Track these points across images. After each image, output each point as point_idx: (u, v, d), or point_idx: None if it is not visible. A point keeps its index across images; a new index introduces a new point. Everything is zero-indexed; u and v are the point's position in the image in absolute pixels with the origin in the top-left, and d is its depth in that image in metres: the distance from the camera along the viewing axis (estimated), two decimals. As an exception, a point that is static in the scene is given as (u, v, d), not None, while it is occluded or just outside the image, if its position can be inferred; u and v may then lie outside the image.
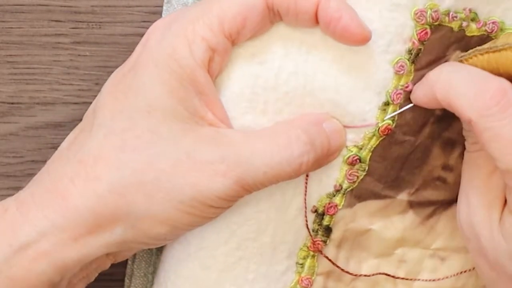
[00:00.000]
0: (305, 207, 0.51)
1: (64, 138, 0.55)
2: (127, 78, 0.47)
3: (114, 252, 0.49)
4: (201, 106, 0.47)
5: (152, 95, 0.46)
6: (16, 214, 0.47)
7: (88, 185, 0.46)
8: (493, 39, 0.50)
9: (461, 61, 0.49)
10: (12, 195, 0.55)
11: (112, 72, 0.55)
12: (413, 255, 0.53)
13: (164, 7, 0.53)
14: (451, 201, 0.53)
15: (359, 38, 0.47)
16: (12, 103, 0.55)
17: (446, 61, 0.50)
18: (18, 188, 0.55)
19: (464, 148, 0.51)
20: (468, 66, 0.47)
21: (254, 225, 0.50)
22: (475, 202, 0.47)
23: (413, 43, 0.48)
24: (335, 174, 0.50)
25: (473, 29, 0.50)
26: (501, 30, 0.50)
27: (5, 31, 0.54)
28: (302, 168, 0.47)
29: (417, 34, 0.48)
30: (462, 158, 0.51)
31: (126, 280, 0.55)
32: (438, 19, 0.48)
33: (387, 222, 0.52)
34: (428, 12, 0.48)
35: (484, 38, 0.50)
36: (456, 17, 0.49)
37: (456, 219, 0.50)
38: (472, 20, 0.50)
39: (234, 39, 0.47)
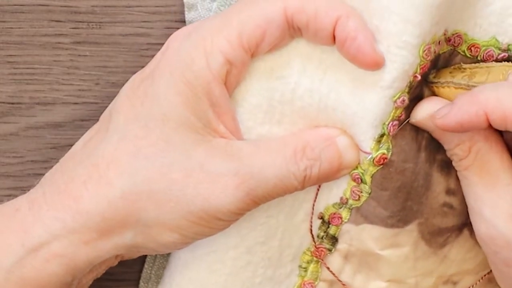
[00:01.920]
0: (312, 213, 0.51)
1: (64, 138, 0.55)
2: (145, 84, 0.48)
3: (124, 253, 0.49)
4: (214, 118, 0.47)
5: (167, 104, 0.46)
6: (28, 214, 0.47)
7: (100, 189, 0.47)
8: (458, 52, 0.50)
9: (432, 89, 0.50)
10: (12, 195, 0.55)
11: (112, 72, 0.55)
12: (427, 284, 0.53)
13: (187, 14, 0.53)
14: (462, 226, 0.52)
15: (371, 62, 0.47)
16: (12, 103, 0.55)
17: (424, 83, 0.50)
18: (18, 188, 0.56)
19: None
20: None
21: (264, 229, 0.51)
22: (490, 215, 0.48)
23: (415, 77, 0.48)
24: (343, 187, 0.51)
25: (444, 47, 0.50)
26: (465, 42, 0.50)
27: (5, 31, 0.54)
28: (306, 181, 0.48)
29: (420, 69, 0.48)
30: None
31: (141, 283, 0.56)
32: (437, 51, 0.49)
33: (397, 251, 0.52)
34: (433, 47, 0.48)
35: (451, 53, 0.50)
36: (442, 42, 0.49)
37: (468, 242, 0.51)
38: (445, 38, 0.50)
39: (253, 52, 0.47)
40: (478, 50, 0.50)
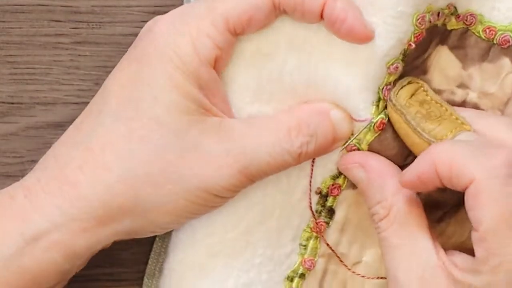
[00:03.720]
0: (310, 189, 0.52)
1: (64, 138, 0.55)
2: (133, 67, 0.48)
3: (122, 238, 0.50)
4: (205, 100, 0.47)
5: (158, 88, 0.47)
6: (24, 202, 0.47)
7: (97, 174, 0.47)
8: (473, 32, 0.51)
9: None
10: (12, 195, 0.55)
11: (112, 72, 0.55)
12: None
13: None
14: (459, 202, 0.52)
15: (362, 37, 0.48)
16: (12, 103, 0.55)
17: (428, 55, 0.51)
18: (18, 188, 0.55)
19: None
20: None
21: (261, 209, 0.51)
22: (403, 279, 0.47)
23: (409, 45, 0.49)
24: (337, 156, 0.51)
25: (453, 23, 0.51)
26: (480, 22, 0.51)
27: (5, 31, 0.54)
28: (302, 157, 0.49)
29: (414, 37, 0.49)
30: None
31: (146, 280, 0.55)
32: (434, 21, 0.49)
33: None
34: (427, 16, 0.49)
35: (464, 32, 0.51)
36: (443, 14, 0.50)
37: (465, 224, 0.51)
38: (452, 14, 0.51)
39: (239, 34, 0.48)
40: (494, 33, 0.51)
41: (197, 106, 0.47)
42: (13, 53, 0.54)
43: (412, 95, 0.50)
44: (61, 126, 0.55)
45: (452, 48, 0.51)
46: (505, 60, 0.51)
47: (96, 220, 0.47)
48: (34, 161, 0.55)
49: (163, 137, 0.47)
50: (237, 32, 0.47)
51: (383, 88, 0.50)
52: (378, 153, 0.51)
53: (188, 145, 0.47)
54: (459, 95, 0.52)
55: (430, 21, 0.49)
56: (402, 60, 0.49)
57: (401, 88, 0.50)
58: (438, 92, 0.52)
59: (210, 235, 0.51)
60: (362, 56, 0.49)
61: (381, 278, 0.53)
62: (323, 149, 0.50)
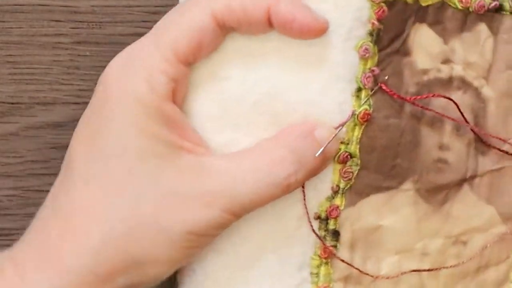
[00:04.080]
0: (307, 213, 0.50)
1: (64, 138, 0.55)
2: (94, 122, 0.47)
3: None
4: (175, 137, 0.46)
5: (123, 138, 0.45)
6: (14, 277, 0.46)
7: (79, 241, 0.45)
8: (451, 5, 0.50)
9: None
10: (12, 195, 0.55)
11: (112, 72, 0.55)
12: (435, 246, 0.52)
13: None
14: (461, 182, 0.52)
15: (317, 31, 0.47)
16: (12, 103, 0.55)
17: (406, 35, 0.50)
18: (18, 188, 0.56)
19: (454, 124, 0.51)
20: None
21: (257, 242, 0.49)
22: None
23: (373, 23, 0.48)
24: (329, 177, 0.50)
25: None
26: None
27: (5, 31, 0.54)
28: (290, 187, 0.47)
29: (375, 14, 0.48)
30: (456, 134, 0.51)
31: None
32: None
33: (397, 216, 0.52)
34: None
35: (440, 6, 0.50)
36: None
37: (469, 197, 0.50)
38: None
39: (191, 62, 0.46)
40: (469, 0, 0.50)
41: (168, 147, 0.45)
42: (13, 53, 0.54)
43: None
44: (61, 126, 0.55)
45: (431, 25, 0.50)
46: (482, 26, 0.51)
47: (88, 286, 0.45)
48: (34, 161, 0.55)
49: (137, 188, 0.45)
50: (189, 61, 0.46)
51: (361, 77, 0.49)
52: (368, 148, 0.50)
53: (164, 191, 0.45)
54: (445, 71, 0.51)
55: None
56: (372, 42, 0.48)
57: None
58: (424, 71, 0.51)
59: (205, 276, 0.50)
60: (324, 49, 0.47)
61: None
62: (313, 174, 0.48)
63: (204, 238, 0.46)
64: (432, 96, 0.50)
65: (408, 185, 0.51)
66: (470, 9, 0.50)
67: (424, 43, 0.51)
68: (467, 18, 0.51)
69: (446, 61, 0.51)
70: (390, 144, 0.50)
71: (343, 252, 0.51)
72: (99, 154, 0.46)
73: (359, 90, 0.49)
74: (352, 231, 0.51)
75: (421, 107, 0.50)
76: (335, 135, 0.48)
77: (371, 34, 0.48)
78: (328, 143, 0.48)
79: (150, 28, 0.54)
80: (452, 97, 0.51)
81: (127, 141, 0.45)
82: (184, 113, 0.47)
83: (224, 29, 0.46)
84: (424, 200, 0.52)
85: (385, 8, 0.48)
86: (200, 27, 0.46)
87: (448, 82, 0.51)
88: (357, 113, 0.49)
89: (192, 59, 0.46)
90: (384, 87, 0.49)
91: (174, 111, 0.46)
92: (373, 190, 0.51)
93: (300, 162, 0.47)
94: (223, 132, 0.48)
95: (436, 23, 0.50)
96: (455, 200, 0.52)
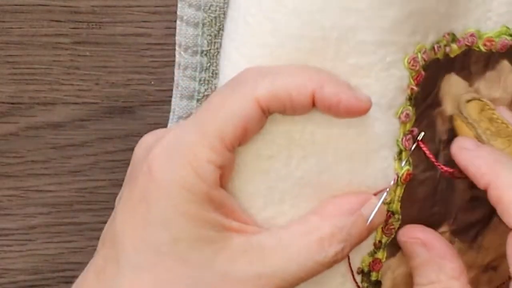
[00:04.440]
0: (351, 270, 0.50)
1: (64, 138, 0.55)
2: (140, 209, 0.46)
3: None
4: (223, 219, 0.46)
5: (174, 227, 0.45)
6: None
7: None
8: (475, 50, 0.51)
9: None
10: (12, 195, 0.56)
11: (112, 72, 0.55)
12: (469, 278, 0.53)
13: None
14: (491, 214, 0.52)
15: (361, 112, 0.46)
16: (12, 103, 0.55)
17: (438, 88, 0.50)
18: (18, 188, 0.56)
19: None
20: None
21: None
22: None
23: (411, 89, 0.48)
24: (372, 235, 0.50)
25: (455, 49, 0.50)
26: (479, 38, 0.50)
27: (5, 31, 0.54)
28: (337, 262, 0.47)
29: (413, 80, 0.48)
30: None
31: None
32: (428, 58, 0.48)
33: None
34: (419, 56, 0.48)
35: (466, 52, 0.50)
36: (440, 47, 0.49)
37: (500, 227, 0.50)
38: (452, 41, 0.50)
39: (236, 147, 0.46)
40: (493, 43, 0.50)
41: (218, 231, 0.45)
42: (13, 53, 0.54)
43: (482, 110, 0.50)
44: (61, 126, 0.55)
45: (458, 72, 0.51)
46: (504, 62, 0.51)
47: None
48: (34, 161, 0.55)
49: (190, 276, 0.45)
50: (235, 147, 0.46)
51: (401, 140, 0.49)
52: (408, 203, 0.50)
53: (217, 277, 0.45)
54: None
55: (425, 60, 0.48)
56: (411, 105, 0.48)
57: (467, 102, 0.50)
58: (451, 117, 0.51)
59: None
60: (368, 119, 0.47)
61: None
62: (357, 246, 0.48)
63: None
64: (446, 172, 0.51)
65: (444, 228, 0.52)
66: (493, 50, 0.51)
67: (452, 90, 0.51)
68: (490, 58, 0.51)
69: None
70: (428, 195, 0.51)
71: None
72: (149, 242, 0.45)
73: (400, 152, 0.49)
74: (393, 278, 0.52)
75: (448, 173, 0.50)
76: (379, 205, 0.48)
77: (410, 98, 0.48)
78: (373, 216, 0.48)
79: (150, 28, 0.54)
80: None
81: (178, 231, 0.45)
82: (229, 193, 0.47)
83: (268, 113, 0.46)
84: (459, 240, 0.52)
85: (422, 72, 0.48)
86: (245, 114, 0.45)
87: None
88: (400, 175, 0.49)
89: (237, 144, 0.46)
90: (423, 148, 0.49)
91: (222, 195, 0.46)
92: None
93: (346, 240, 0.47)
94: (268, 207, 0.48)
95: (463, 69, 0.51)
96: (486, 233, 0.53)
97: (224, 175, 0.46)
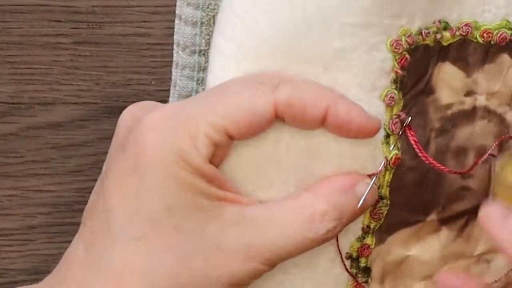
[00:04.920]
0: (340, 254, 0.50)
1: (64, 138, 0.55)
2: (132, 179, 0.46)
3: None
4: (217, 190, 0.46)
5: (168, 195, 0.45)
6: None
7: None
8: (472, 41, 0.51)
9: None
10: (12, 195, 0.56)
11: (112, 72, 0.55)
12: (459, 268, 0.53)
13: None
14: (480, 205, 0.52)
15: (372, 132, 0.47)
16: (12, 103, 0.55)
17: (429, 75, 0.50)
18: (18, 188, 0.56)
19: (477, 152, 0.51)
20: None
21: (288, 286, 0.50)
22: None
23: (396, 72, 0.48)
24: (359, 218, 0.50)
25: (447, 38, 0.50)
26: (476, 29, 0.51)
27: (5, 31, 0.54)
28: (328, 240, 0.47)
29: (397, 63, 0.48)
30: (478, 162, 0.51)
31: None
32: (413, 42, 0.48)
33: (423, 245, 0.52)
34: (403, 39, 0.48)
35: (462, 42, 0.50)
36: (429, 33, 0.49)
37: None
38: (444, 29, 0.50)
39: (235, 138, 0.46)
40: (491, 35, 0.51)
41: (211, 200, 0.46)
42: (13, 53, 0.54)
43: None
44: (61, 126, 0.55)
45: (453, 62, 0.51)
46: (504, 56, 0.51)
47: None
48: (34, 161, 0.55)
49: (184, 244, 0.45)
50: (233, 137, 0.46)
51: (389, 123, 0.49)
52: (398, 188, 0.50)
53: (210, 245, 0.45)
54: (467, 103, 0.52)
55: (409, 43, 0.48)
56: (396, 89, 0.49)
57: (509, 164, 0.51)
58: (447, 106, 0.51)
59: None
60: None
61: None
62: (350, 223, 0.48)
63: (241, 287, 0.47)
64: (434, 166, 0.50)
65: (433, 216, 0.52)
66: (492, 42, 0.51)
67: (447, 79, 0.51)
68: (489, 51, 0.51)
69: (469, 93, 0.52)
70: (418, 182, 0.51)
71: (374, 285, 0.52)
72: (142, 211, 0.45)
73: (387, 136, 0.49)
74: (382, 265, 0.52)
75: (434, 166, 0.50)
76: (371, 185, 0.48)
77: (395, 82, 0.49)
78: (366, 195, 0.48)
79: (150, 28, 0.54)
80: (477, 127, 0.52)
81: (172, 198, 0.45)
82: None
83: (277, 118, 0.46)
84: (447, 228, 0.52)
85: (407, 56, 0.48)
86: (258, 111, 0.45)
87: (472, 113, 0.52)
88: (388, 159, 0.49)
89: (237, 135, 0.46)
90: (408, 134, 0.49)
91: (213, 171, 0.46)
92: (401, 226, 0.52)
93: (339, 217, 0.47)
94: (258, 192, 0.48)
95: (459, 60, 0.51)
96: (476, 223, 0.53)
97: (216, 156, 0.46)
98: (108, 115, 0.56)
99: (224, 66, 0.48)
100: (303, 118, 0.46)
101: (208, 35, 0.50)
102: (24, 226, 0.57)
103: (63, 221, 0.57)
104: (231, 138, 0.46)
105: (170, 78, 0.53)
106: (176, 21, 0.50)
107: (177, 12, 0.50)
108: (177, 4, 0.50)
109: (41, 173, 0.56)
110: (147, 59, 0.55)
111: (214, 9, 0.49)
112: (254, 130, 0.46)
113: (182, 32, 0.50)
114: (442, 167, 0.50)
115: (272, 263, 0.46)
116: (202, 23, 0.50)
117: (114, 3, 0.54)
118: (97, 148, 0.56)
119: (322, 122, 0.46)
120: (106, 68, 0.55)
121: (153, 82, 0.56)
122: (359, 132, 0.47)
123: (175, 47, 0.51)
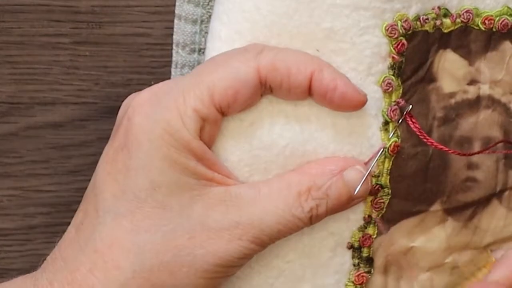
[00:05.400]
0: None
1: (64, 138, 0.55)
2: (121, 157, 0.47)
3: None
4: (205, 169, 0.46)
5: (154, 172, 0.45)
6: None
7: (110, 275, 0.46)
8: (474, 28, 0.51)
9: None
10: (12, 195, 0.55)
11: (112, 72, 0.55)
12: (464, 259, 0.53)
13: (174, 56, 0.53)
14: (489, 197, 0.52)
15: (357, 104, 0.47)
16: (12, 103, 0.55)
17: (430, 63, 0.50)
18: (18, 188, 0.56)
19: (483, 143, 0.51)
20: None
21: (290, 275, 0.50)
22: None
23: (393, 57, 0.49)
24: (361, 208, 0.50)
25: (448, 24, 0.50)
26: (477, 15, 0.51)
27: (5, 31, 0.54)
28: (313, 220, 0.47)
29: (394, 48, 0.48)
30: (484, 152, 0.51)
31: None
32: (410, 27, 0.49)
33: (428, 236, 0.52)
34: (399, 24, 0.48)
35: (463, 30, 0.51)
36: (427, 19, 0.49)
37: (499, 210, 0.51)
38: (445, 16, 0.50)
39: (224, 112, 0.46)
40: (493, 21, 0.51)
41: (198, 179, 0.46)
42: (13, 53, 0.54)
43: None
44: (61, 126, 0.55)
45: (455, 49, 0.51)
46: (506, 43, 0.51)
47: None
48: (34, 161, 0.55)
49: (168, 222, 0.46)
50: (223, 108, 0.46)
51: (387, 110, 0.49)
52: (398, 177, 0.50)
53: (196, 223, 0.46)
54: (471, 92, 0.52)
55: (405, 28, 0.49)
56: (394, 75, 0.49)
57: None
58: (450, 95, 0.51)
59: None
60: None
61: None
62: (337, 210, 0.48)
63: (232, 269, 0.47)
64: (433, 144, 0.50)
65: (436, 206, 0.52)
66: (494, 29, 0.51)
67: (449, 67, 0.51)
68: (491, 38, 0.51)
69: (473, 82, 0.52)
70: (419, 171, 0.51)
71: (377, 276, 0.52)
72: (129, 189, 0.46)
73: (386, 123, 0.49)
74: (385, 256, 0.52)
75: (439, 148, 0.50)
76: (367, 175, 0.48)
77: (392, 67, 0.49)
78: (361, 185, 0.48)
79: (150, 28, 0.54)
80: (481, 117, 0.51)
81: (158, 175, 0.45)
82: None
83: (264, 87, 0.46)
84: (452, 219, 0.52)
85: (404, 41, 0.49)
86: (242, 78, 0.46)
87: (476, 102, 0.52)
88: (387, 146, 0.49)
89: (225, 107, 0.46)
90: (409, 122, 0.49)
91: (203, 148, 0.46)
92: (404, 216, 0.51)
93: (322, 198, 0.47)
94: (254, 176, 0.48)
95: (460, 47, 0.51)
96: (483, 215, 0.53)
97: (206, 132, 0.46)
98: (108, 115, 0.56)
99: (219, 48, 0.48)
100: (289, 84, 0.46)
101: (208, 33, 0.50)
102: (24, 226, 0.57)
103: (63, 221, 0.57)
104: (220, 111, 0.46)
105: (170, 78, 0.53)
106: (176, 20, 0.51)
107: (176, 11, 0.50)
108: (177, 3, 0.50)
109: (41, 173, 0.56)
110: (147, 59, 0.55)
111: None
112: (242, 100, 0.46)
113: (182, 31, 0.50)
114: (447, 149, 0.50)
115: (262, 242, 0.46)
116: (202, 21, 0.50)
117: (114, 3, 0.54)
118: (97, 148, 0.56)
119: (308, 90, 0.46)
120: (105, 68, 0.55)
121: (153, 82, 0.55)
122: (343, 101, 0.46)
123: (174, 46, 0.51)
